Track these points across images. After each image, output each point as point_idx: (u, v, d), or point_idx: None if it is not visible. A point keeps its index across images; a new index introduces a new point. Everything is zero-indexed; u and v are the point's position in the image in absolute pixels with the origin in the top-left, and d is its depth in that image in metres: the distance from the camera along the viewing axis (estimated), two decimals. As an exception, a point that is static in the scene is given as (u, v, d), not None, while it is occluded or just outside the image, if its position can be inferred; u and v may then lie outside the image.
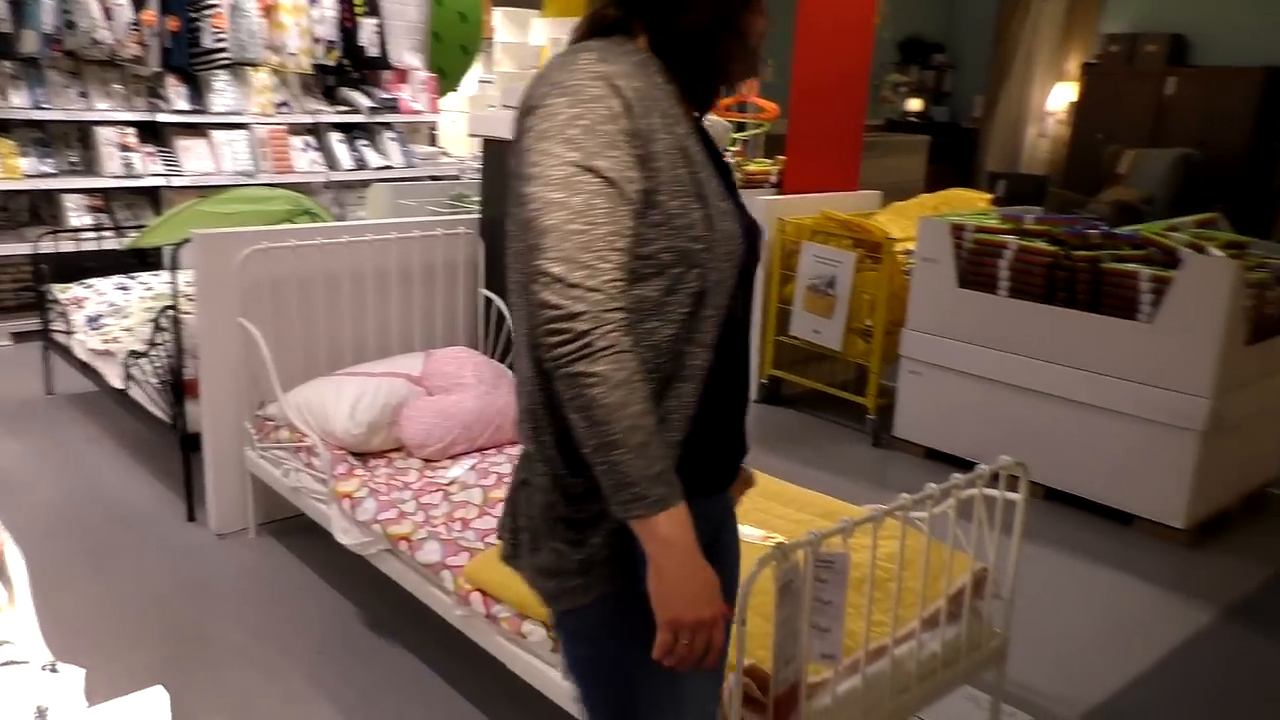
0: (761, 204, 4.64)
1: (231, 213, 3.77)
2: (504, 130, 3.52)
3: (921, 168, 9.16)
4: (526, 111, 1.33)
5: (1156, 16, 10.10)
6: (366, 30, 6.72)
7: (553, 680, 2.15)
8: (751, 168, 5.23)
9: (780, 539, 2.44)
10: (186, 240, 3.23)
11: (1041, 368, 3.83)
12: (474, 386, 3.11)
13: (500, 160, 3.55)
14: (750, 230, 1.46)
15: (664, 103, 1.33)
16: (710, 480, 1.46)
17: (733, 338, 1.43)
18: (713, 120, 3.80)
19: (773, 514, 2.59)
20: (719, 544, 1.52)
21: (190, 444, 3.44)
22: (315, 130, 6.61)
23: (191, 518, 3.47)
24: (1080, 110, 10.14)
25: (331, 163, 6.57)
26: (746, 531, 2.48)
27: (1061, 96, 10.54)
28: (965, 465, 4.11)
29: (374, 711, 2.53)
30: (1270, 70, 9.05)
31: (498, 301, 3.60)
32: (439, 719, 2.51)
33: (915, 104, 11.03)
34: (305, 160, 6.44)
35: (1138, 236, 3.79)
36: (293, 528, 3.44)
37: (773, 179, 5.09)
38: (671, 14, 1.36)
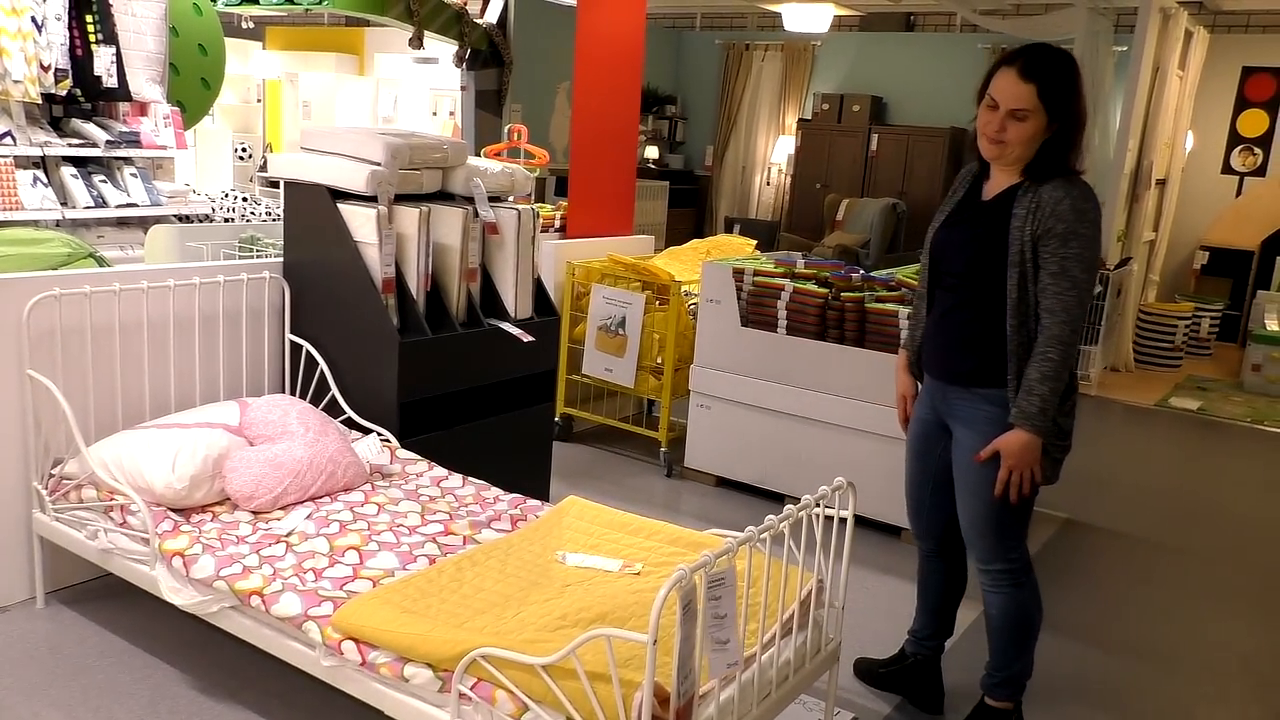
0: (550, 248, 4.80)
1: (-3, 255, 3.46)
2: (308, 173, 3.48)
3: (663, 211, 9.72)
4: None
5: (858, 79, 11.26)
6: (103, 60, 6.30)
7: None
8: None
9: (639, 566, 2.60)
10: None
11: (818, 399, 4.22)
12: (301, 434, 3.04)
13: (305, 202, 3.49)
14: (939, 240, 2.69)
15: (968, 173, 2.72)
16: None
17: (933, 310, 2.73)
18: (512, 169, 3.92)
19: (622, 544, 2.74)
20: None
21: (-40, 510, 3.12)
22: (44, 164, 6.10)
23: (-39, 592, 3.14)
24: (799, 162, 11.09)
25: (65, 199, 6.07)
26: (605, 563, 2.61)
27: (783, 149, 11.47)
28: (753, 491, 4.48)
29: (225, 777, 2.43)
30: (954, 130, 10.33)
31: (307, 346, 3.53)
32: (299, 776, 2.45)
33: (652, 152, 11.61)
34: (36, 196, 5.91)
35: (892, 279, 4.28)
36: (84, 594, 3.21)
37: (556, 224, 5.27)
38: None
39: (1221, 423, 6.67)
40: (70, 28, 6.14)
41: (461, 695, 2.13)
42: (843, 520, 2.56)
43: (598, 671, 1.97)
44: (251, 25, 11.38)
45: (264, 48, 12.36)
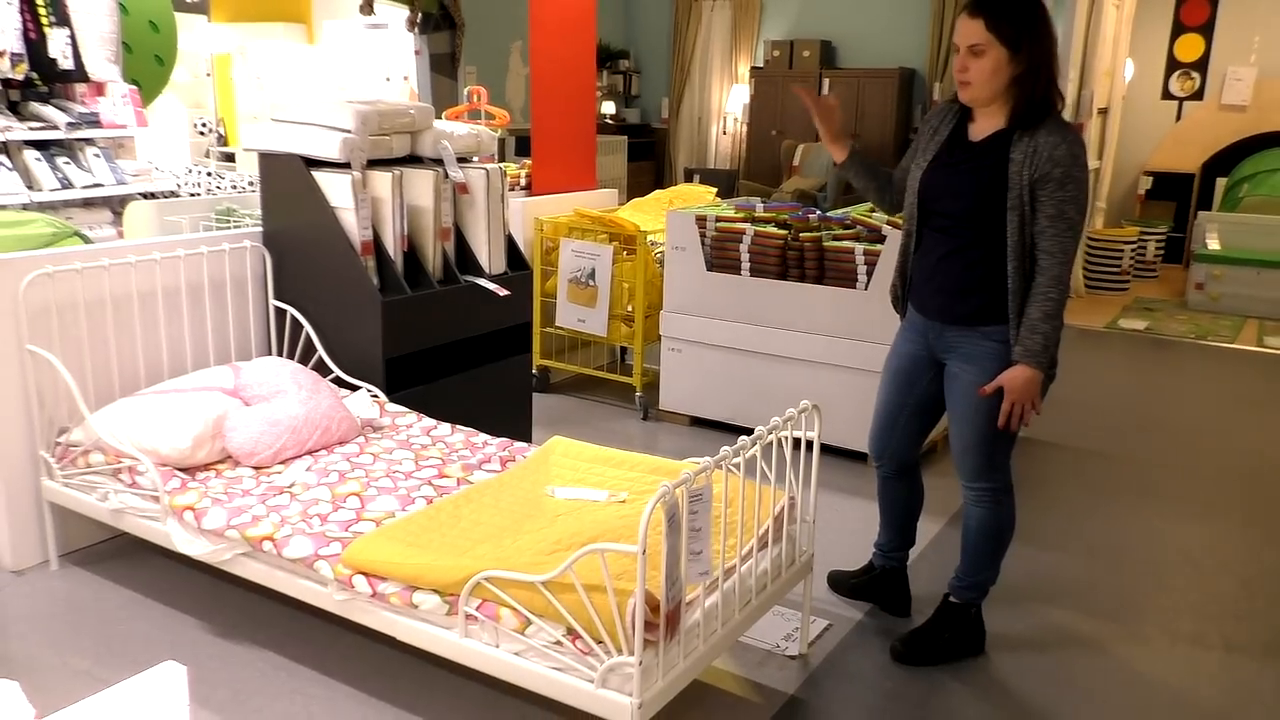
0: (517, 206, 4.94)
1: (-18, 238, 3.56)
2: (282, 143, 3.60)
3: (623, 165, 9.84)
4: None
5: (807, 24, 11.36)
6: (57, 42, 6.31)
7: (447, 642, 2.37)
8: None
9: (624, 495, 2.79)
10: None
11: (783, 335, 4.43)
12: (295, 393, 3.20)
13: (280, 172, 3.62)
14: (930, 182, 2.74)
15: (946, 113, 2.80)
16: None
17: (924, 251, 2.82)
18: (478, 130, 4.06)
19: (607, 476, 2.93)
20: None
21: (-31, 484, 3.26)
22: (6, 149, 6.13)
23: (-23, 560, 3.30)
24: (754, 110, 11.22)
25: (31, 183, 6.12)
26: (592, 494, 2.80)
27: (738, 97, 11.58)
28: (726, 428, 4.69)
29: (249, 706, 2.61)
30: (903, 71, 10.49)
31: (291, 311, 3.67)
32: (319, 707, 2.64)
33: (608, 107, 11.69)
34: (2, 181, 5.96)
35: (847, 218, 4.48)
36: (95, 555, 3.37)
37: (522, 182, 5.40)
38: None
39: (1168, 340, 6.97)
40: (22, 11, 6.15)
41: (468, 616, 2.33)
42: (809, 441, 2.77)
43: (593, 584, 2.16)
44: (197, -2, 11.27)
45: (209, 20, 12.24)
